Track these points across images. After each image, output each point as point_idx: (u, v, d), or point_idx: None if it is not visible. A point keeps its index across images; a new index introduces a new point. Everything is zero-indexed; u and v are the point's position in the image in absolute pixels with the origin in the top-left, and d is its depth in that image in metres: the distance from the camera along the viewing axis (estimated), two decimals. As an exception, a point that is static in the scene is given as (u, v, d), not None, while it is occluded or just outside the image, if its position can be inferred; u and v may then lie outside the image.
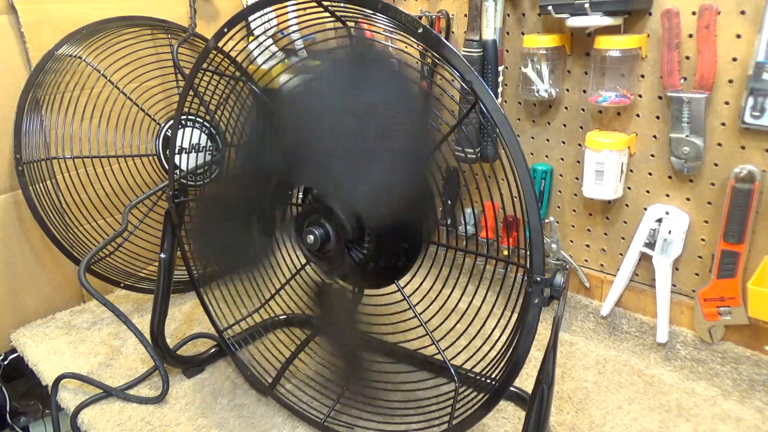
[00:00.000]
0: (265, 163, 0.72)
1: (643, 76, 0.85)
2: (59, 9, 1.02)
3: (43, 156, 1.01)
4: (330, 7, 0.67)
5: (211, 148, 1.12)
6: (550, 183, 1.00)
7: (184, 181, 0.87)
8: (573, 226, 1.01)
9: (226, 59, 0.84)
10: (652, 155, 0.88)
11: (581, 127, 0.94)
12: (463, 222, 1.11)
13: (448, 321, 0.70)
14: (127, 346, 1.00)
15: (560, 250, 1.02)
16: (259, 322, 0.90)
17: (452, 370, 0.71)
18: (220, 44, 0.72)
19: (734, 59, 0.76)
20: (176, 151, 1.05)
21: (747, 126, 0.76)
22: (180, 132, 1.07)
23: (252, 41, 0.75)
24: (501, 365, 0.65)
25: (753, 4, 0.73)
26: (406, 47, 0.87)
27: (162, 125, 1.10)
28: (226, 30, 0.70)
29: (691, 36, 0.79)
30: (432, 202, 0.71)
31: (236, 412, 0.84)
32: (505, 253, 1.05)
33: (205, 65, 0.76)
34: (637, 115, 0.88)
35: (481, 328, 0.67)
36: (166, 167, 1.12)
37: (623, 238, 0.95)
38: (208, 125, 1.11)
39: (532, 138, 1.01)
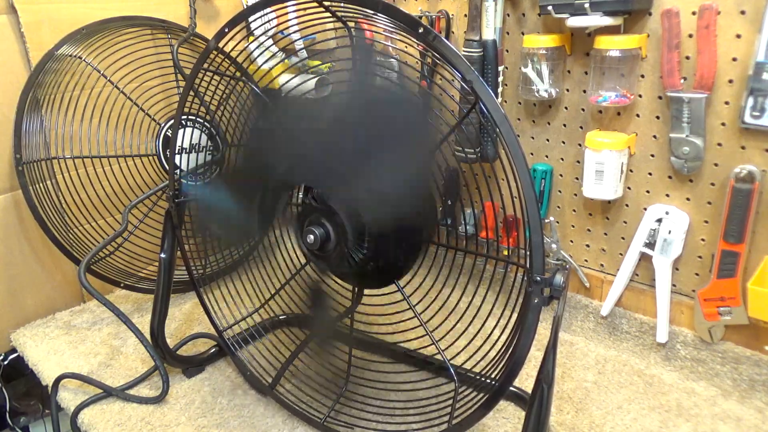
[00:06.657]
0: (267, 160, 0.72)
1: (643, 76, 0.85)
2: (59, 9, 1.02)
3: (43, 156, 1.01)
4: (331, 7, 0.67)
5: (211, 148, 1.12)
6: (550, 183, 1.00)
7: (185, 181, 0.87)
8: (573, 226, 1.01)
9: (226, 59, 0.84)
10: (652, 155, 0.88)
11: (581, 127, 0.94)
12: (463, 222, 1.11)
13: (448, 321, 0.70)
14: (127, 346, 1.00)
15: (560, 250, 1.02)
16: (259, 322, 0.90)
17: (452, 370, 0.71)
18: (220, 44, 0.72)
19: (734, 59, 0.76)
20: (176, 151, 1.05)
21: (747, 126, 0.76)
22: (180, 132, 1.07)
23: (252, 41, 0.76)
24: (501, 365, 0.65)
25: (753, 4, 0.73)
26: (407, 47, 0.87)
27: (162, 125, 1.10)
28: (227, 30, 0.70)
29: (691, 36, 0.79)
30: (432, 202, 0.71)
31: (236, 412, 0.84)
32: (505, 253, 1.05)
33: (205, 65, 0.76)
34: (637, 115, 0.88)
35: (481, 327, 0.67)
36: (166, 167, 1.12)
37: (623, 238, 0.95)
38: (208, 125, 1.11)
39: (532, 138, 1.01)
